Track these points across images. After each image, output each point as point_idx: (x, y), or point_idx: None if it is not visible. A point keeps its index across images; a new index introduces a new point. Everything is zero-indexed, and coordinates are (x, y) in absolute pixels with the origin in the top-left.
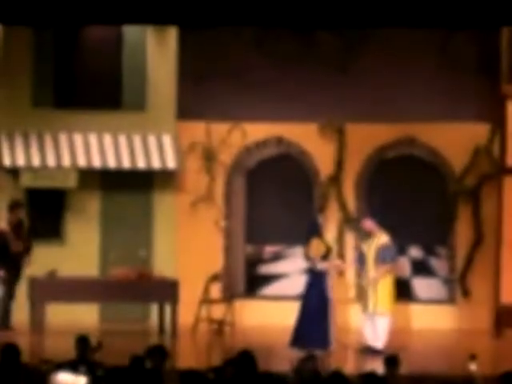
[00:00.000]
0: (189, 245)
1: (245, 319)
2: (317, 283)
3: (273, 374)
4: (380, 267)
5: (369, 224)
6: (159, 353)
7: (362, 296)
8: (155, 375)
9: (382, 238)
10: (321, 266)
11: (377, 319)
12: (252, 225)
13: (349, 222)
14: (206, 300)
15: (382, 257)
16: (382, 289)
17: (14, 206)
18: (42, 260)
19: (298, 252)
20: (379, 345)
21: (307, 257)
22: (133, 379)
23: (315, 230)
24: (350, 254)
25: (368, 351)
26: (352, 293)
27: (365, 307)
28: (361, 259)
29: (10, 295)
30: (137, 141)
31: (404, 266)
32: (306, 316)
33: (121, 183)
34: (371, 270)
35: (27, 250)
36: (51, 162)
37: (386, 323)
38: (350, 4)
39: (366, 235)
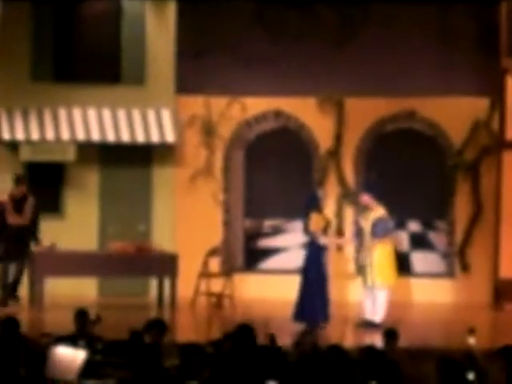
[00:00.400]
0: (188, 219)
1: (244, 293)
2: (316, 257)
3: (272, 348)
4: (373, 241)
5: (365, 198)
6: (158, 326)
7: (361, 270)
8: (154, 349)
9: (379, 212)
10: (323, 240)
11: (376, 293)
12: (251, 199)
13: (348, 196)
14: (205, 274)
15: (374, 230)
16: (381, 262)
17: (18, 180)
18: (42, 234)
19: (297, 226)
20: (377, 319)
21: (306, 231)
22: (132, 353)
23: (314, 204)
24: (349, 228)
25: (367, 325)
26: (351, 267)
27: (364, 281)
28: (358, 233)
29: (16, 270)
30: (136, 115)
31: (400, 240)
32: (307, 290)
33: (120, 157)
34: (368, 243)
35: (33, 226)
36: (50, 135)
37: (384, 297)
38: None
39: (363, 209)
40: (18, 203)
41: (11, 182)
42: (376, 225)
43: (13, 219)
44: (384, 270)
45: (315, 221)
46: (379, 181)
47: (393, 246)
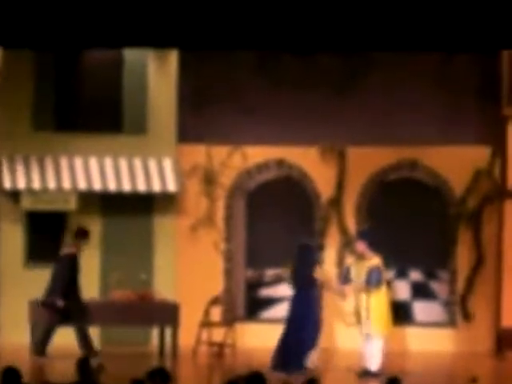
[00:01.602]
0: (189, 268)
1: (245, 342)
2: (315, 304)
3: None
4: (368, 289)
5: (360, 246)
6: (160, 376)
7: (358, 318)
8: None
9: (373, 261)
10: (339, 289)
11: (371, 341)
12: (252, 248)
13: (349, 245)
14: (207, 323)
15: (369, 279)
16: (376, 311)
17: (86, 233)
18: (43, 283)
19: None
20: (373, 367)
21: (311, 280)
22: None
23: (316, 256)
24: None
25: (365, 374)
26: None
27: (360, 329)
28: (346, 278)
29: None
30: (137, 164)
31: (396, 289)
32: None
33: (121, 206)
34: (361, 291)
35: None
36: (52, 185)
37: (379, 345)
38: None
39: (358, 257)
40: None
41: (13, 231)
42: (371, 273)
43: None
44: (379, 319)
45: (320, 271)
46: (374, 230)
47: (388, 295)
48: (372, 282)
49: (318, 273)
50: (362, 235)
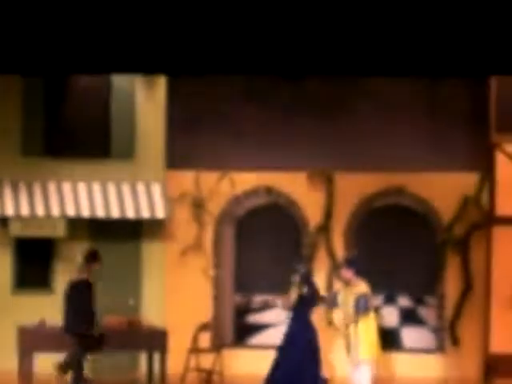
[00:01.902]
0: (178, 294)
1: (234, 369)
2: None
3: None
4: (356, 316)
5: (346, 273)
6: None
7: (347, 345)
8: None
9: (360, 287)
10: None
11: (360, 368)
12: (241, 274)
13: (338, 270)
14: (195, 349)
15: (357, 306)
16: (364, 337)
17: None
18: (31, 309)
19: None
20: None
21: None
22: None
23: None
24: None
25: None
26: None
27: (349, 355)
28: (333, 302)
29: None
30: (126, 189)
31: (383, 316)
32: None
33: (110, 232)
34: (349, 318)
35: None
36: (40, 211)
37: (368, 371)
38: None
39: (345, 284)
40: None
41: (1, 257)
42: (358, 301)
43: None
44: (368, 346)
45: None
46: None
47: (376, 322)
48: (360, 309)
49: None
50: (348, 262)
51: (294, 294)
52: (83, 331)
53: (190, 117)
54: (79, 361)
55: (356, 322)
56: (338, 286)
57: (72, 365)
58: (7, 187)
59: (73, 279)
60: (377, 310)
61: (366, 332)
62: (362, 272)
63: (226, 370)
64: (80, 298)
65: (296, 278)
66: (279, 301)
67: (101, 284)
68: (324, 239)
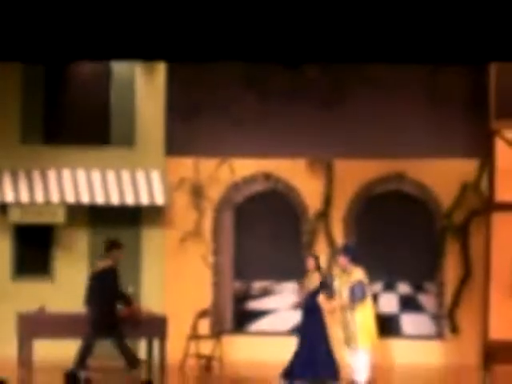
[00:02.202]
0: (177, 281)
1: (233, 355)
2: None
3: None
4: (353, 304)
5: (343, 260)
6: None
7: (345, 332)
8: None
9: (356, 275)
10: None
11: (358, 354)
12: (240, 260)
13: (334, 257)
14: (195, 336)
15: (353, 293)
16: (362, 324)
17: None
18: (31, 296)
19: (286, 288)
20: (362, 379)
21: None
22: None
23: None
24: (339, 290)
25: None
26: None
27: (347, 341)
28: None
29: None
30: (125, 177)
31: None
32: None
33: (109, 219)
34: (345, 305)
35: None
36: (39, 198)
37: (366, 357)
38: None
39: (342, 271)
40: None
41: (1, 244)
42: (354, 289)
43: None
44: (365, 333)
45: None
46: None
47: (373, 308)
48: (356, 297)
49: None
50: (344, 250)
51: (312, 283)
52: (109, 319)
53: (190, 104)
54: (89, 346)
55: (352, 309)
56: (335, 271)
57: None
58: (7, 174)
59: (97, 267)
60: (375, 297)
61: (363, 319)
62: (359, 259)
63: (226, 356)
64: (107, 284)
65: (312, 265)
66: (295, 287)
67: None
68: (323, 226)
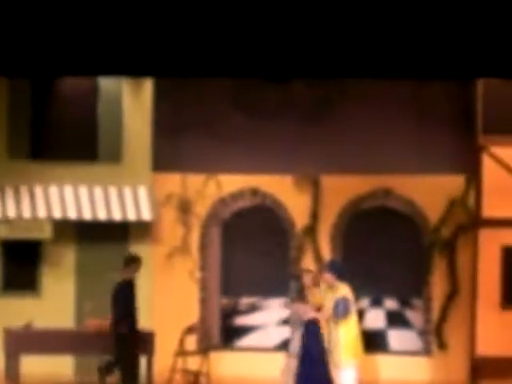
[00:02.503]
0: (164, 296)
1: (220, 371)
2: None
3: None
4: (336, 320)
5: (328, 277)
6: None
7: (329, 347)
8: None
9: (341, 291)
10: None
11: (341, 370)
12: (227, 276)
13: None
14: (182, 352)
15: (336, 310)
16: (345, 341)
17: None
18: (18, 312)
19: (273, 304)
20: None
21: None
22: None
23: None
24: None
25: None
26: None
27: (332, 359)
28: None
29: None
30: (112, 192)
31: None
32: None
33: (96, 235)
34: (331, 322)
35: None
36: (27, 213)
37: (352, 375)
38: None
39: (327, 286)
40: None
41: None
42: (337, 304)
43: None
44: (348, 349)
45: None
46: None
47: (358, 325)
48: (339, 312)
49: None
50: (330, 266)
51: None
52: (127, 331)
53: (177, 120)
54: (130, 361)
55: (336, 324)
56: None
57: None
58: None
59: (119, 281)
60: (361, 313)
61: (347, 335)
62: (345, 276)
63: (213, 372)
64: (125, 297)
65: (309, 281)
66: (298, 307)
67: (87, 287)
68: (311, 241)
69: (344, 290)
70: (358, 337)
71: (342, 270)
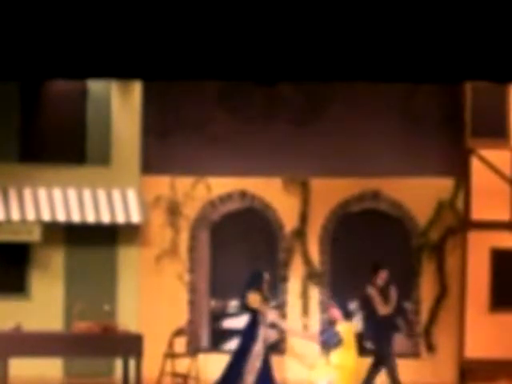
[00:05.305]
0: (153, 299)
1: (209, 373)
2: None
3: None
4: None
5: (334, 312)
6: None
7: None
8: None
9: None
10: (271, 316)
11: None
12: (216, 278)
13: (313, 276)
14: (171, 354)
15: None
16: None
17: (375, 268)
18: (6, 314)
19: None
20: None
21: (246, 308)
22: None
23: (257, 282)
24: (315, 308)
25: None
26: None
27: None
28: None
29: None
30: (101, 195)
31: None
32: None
33: (85, 237)
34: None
35: (394, 315)
36: (15, 216)
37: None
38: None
39: (330, 322)
40: (382, 292)
41: None
42: (327, 333)
43: (382, 311)
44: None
45: (253, 299)
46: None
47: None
48: (329, 343)
49: (250, 301)
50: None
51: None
52: None
53: (165, 122)
54: None
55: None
56: (313, 293)
57: None
58: None
59: None
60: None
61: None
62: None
63: (202, 374)
64: None
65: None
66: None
67: (76, 290)
68: (299, 244)
69: (343, 326)
70: (354, 363)
71: (348, 309)
